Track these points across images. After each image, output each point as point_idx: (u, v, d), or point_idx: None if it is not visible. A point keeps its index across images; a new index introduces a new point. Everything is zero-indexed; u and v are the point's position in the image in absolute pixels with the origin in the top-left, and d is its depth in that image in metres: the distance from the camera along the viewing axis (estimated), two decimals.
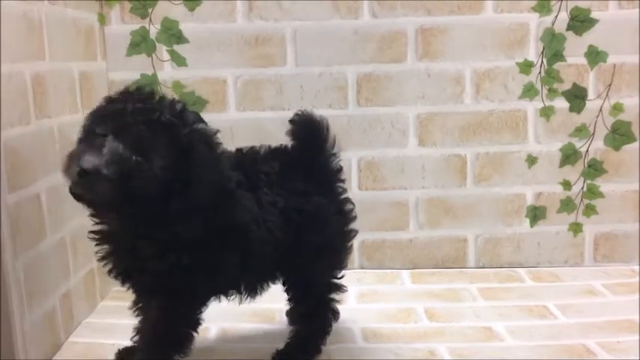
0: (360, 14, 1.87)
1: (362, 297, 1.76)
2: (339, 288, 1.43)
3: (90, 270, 1.67)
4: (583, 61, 1.89)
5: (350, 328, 1.55)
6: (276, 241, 1.26)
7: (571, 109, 1.92)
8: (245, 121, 1.90)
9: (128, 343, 1.34)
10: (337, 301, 1.44)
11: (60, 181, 1.17)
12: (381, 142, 1.93)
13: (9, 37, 1.28)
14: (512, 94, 1.91)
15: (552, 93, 1.91)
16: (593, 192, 1.94)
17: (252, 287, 1.33)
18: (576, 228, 1.96)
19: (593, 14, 1.86)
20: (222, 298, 1.33)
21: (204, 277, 1.20)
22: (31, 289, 1.32)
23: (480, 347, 1.46)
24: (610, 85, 1.90)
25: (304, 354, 1.38)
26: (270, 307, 1.61)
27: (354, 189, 1.91)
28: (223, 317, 1.58)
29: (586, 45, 1.88)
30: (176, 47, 1.87)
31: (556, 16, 1.87)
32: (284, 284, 1.40)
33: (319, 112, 1.39)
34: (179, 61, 1.88)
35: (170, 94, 1.86)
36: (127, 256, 1.19)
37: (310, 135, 1.36)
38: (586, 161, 1.93)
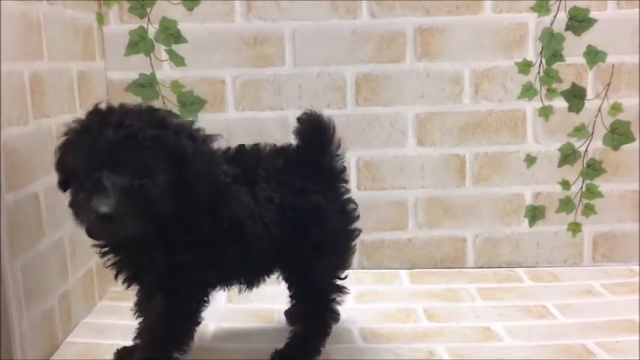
0: (359, 14, 1.87)
1: (361, 297, 1.76)
2: (341, 289, 1.42)
3: (88, 270, 1.67)
4: (582, 60, 1.89)
5: (349, 329, 1.55)
6: (273, 238, 1.26)
7: (570, 109, 1.91)
8: (243, 121, 1.90)
9: (126, 343, 1.34)
10: (338, 303, 1.43)
11: None
12: (379, 142, 1.93)
13: (7, 36, 1.28)
14: (511, 94, 1.91)
15: (551, 93, 1.91)
16: (592, 192, 1.94)
17: (249, 281, 1.34)
18: (575, 228, 1.96)
19: (592, 14, 1.86)
20: (220, 292, 1.34)
21: (205, 271, 1.21)
22: (29, 288, 1.32)
23: (478, 347, 1.46)
24: (609, 84, 1.90)
25: (303, 354, 1.38)
26: (269, 307, 1.62)
27: (353, 189, 1.90)
28: (222, 317, 1.58)
29: (585, 45, 1.88)
30: (175, 47, 1.87)
31: (555, 16, 1.87)
32: (285, 282, 1.40)
33: None
34: (177, 60, 1.88)
35: (168, 94, 1.88)
36: (137, 262, 1.20)
37: (316, 134, 1.36)
38: (585, 161, 1.93)
